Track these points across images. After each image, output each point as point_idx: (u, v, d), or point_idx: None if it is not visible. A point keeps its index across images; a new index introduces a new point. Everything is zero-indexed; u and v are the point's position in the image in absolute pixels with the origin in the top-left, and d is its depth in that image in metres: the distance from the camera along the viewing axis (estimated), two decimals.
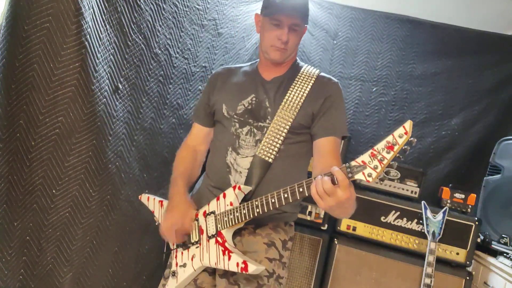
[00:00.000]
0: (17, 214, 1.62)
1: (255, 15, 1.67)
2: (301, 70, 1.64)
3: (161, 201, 1.69)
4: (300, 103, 1.54)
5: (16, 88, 1.52)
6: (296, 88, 1.58)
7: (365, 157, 1.18)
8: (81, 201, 1.76)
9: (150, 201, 1.73)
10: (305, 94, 1.56)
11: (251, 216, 1.41)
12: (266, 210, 1.37)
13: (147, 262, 2.11)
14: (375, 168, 1.16)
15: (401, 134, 1.13)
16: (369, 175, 1.17)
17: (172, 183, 1.63)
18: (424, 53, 2.78)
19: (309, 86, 1.58)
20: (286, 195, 1.31)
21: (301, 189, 1.29)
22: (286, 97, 1.56)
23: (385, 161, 1.15)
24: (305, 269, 2.26)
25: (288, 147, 1.55)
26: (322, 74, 1.66)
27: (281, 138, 1.53)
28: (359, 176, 1.18)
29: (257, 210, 1.39)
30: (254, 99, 1.59)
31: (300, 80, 1.60)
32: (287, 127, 1.53)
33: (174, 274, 1.56)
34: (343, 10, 2.82)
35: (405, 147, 1.14)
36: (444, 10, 2.68)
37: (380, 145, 1.16)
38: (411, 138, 1.13)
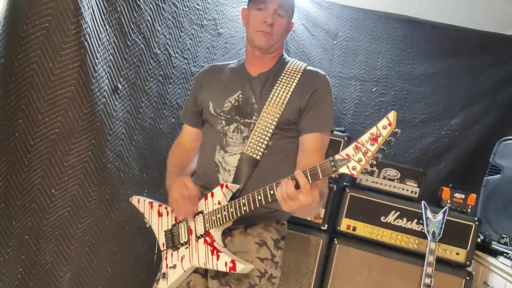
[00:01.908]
0: (16, 213, 1.62)
1: (242, 9, 1.66)
2: (288, 65, 1.62)
3: (151, 203, 1.67)
4: (286, 99, 1.53)
5: (15, 87, 1.53)
6: (282, 83, 1.56)
7: (349, 150, 1.16)
8: (80, 201, 1.76)
9: (141, 202, 1.71)
10: (291, 89, 1.54)
11: (238, 214, 1.39)
12: (253, 208, 1.35)
13: (146, 262, 2.11)
14: (359, 161, 1.14)
15: (385, 126, 1.11)
16: (353, 168, 1.15)
17: (167, 176, 1.64)
18: (424, 53, 2.78)
19: (296, 81, 1.56)
20: (272, 192, 1.30)
21: (272, 192, 1.30)
22: (272, 92, 1.54)
23: (369, 154, 1.13)
24: (305, 269, 2.25)
25: (276, 143, 1.53)
26: (309, 67, 1.63)
27: (268, 134, 1.51)
28: (343, 170, 1.17)
29: (244, 208, 1.37)
30: (240, 95, 1.57)
31: (286, 74, 1.58)
32: (274, 123, 1.51)
33: (164, 275, 1.54)
34: (343, 10, 2.83)
35: (390, 138, 1.12)
36: (444, 10, 2.68)
37: (364, 138, 1.14)
38: (396, 129, 1.12)
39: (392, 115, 1.11)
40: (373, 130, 1.12)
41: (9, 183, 1.59)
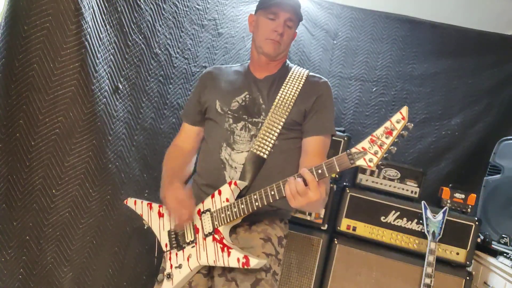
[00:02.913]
0: (17, 213, 1.62)
1: (249, 15, 1.72)
2: (291, 70, 1.69)
3: (150, 204, 1.66)
4: (293, 101, 1.59)
5: (16, 88, 1.52)
6: (288, 86, 1.63)
7: (364, 144, 1.22)
8: (81, 201, 1.76)
9: (138, 204, 1.69)
10: (297, 93, 1.61)
11: (250, 210, 1.41)
12: (266, 203, 1.38)
13: (147, 262, 2.11)
14: (375, 153, 1.21)
15: (399, 120, 1.18)
16: (370, 160, 1.21)
17: (162, 180, 1.63)
18: (424, 53, 2.78)
19: (300, 85, 1.63)
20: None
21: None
22: (279, 95, 1.60)
23: (384, 146, 1.19)
24: (305, 269, 2.25)
25: (282, 142, 1.57)
26: (312, 74, 1.70)
27: (276, 134, 1.56)
28: (360, 162, 1.22)
29: (257, 203, 1.39)
30: (247, 96, 1.63)
31: (291, 79, 1.65)
32: (281, 123, 1.56)
33: (169, 276, 1.53)
34: (343, 10, 2.82)
35: (403, 132, 1.19)
36: (443, 10, 2.68)
37: (379, 131, 1.20)
38: (408, 123, 1.18)
39: (404, 110, 1.18)
40: (387, 124, 1.19)
41: (10, 184, 1.58)
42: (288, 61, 1.75)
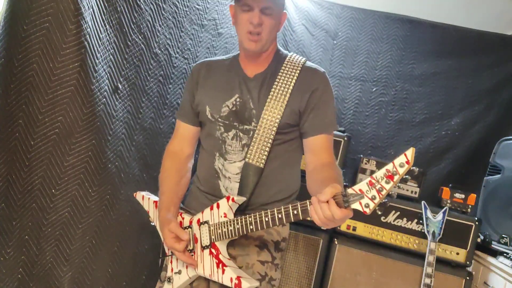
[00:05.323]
0: (16, 213, 1.62)
1: (230, 6, 1.57)
2: (285, 61, 1.55)
3: (156, 202, 1.65)
4: (285, 101, 1.47)
5: (15, 87, 1.52)
6: (280, 83, 1.50)
7: (362, 186, 1.10)
8: (81, 201, 1.75)
9: (145, 200, 1.69)
10: (290, 89, 1.48)
11: (245, 232, 1.37)
12: (259, 228, 1.32)
13: (146, 262, 2.11)
14: (373, 198, 1.09)
15: (402, 164, 1.05)
16: (367, 205, 1.10)
17: (160, 201, 1.57)
18: (424, 53, 2.78)
19: (294, 79, 1.50)
20: (280, 216, 1.27)
21: (295, 212, 1.25)
22: (270, 96, 1.49)
23: (383, 192, 1.08)
24: (305, 269, 2.26)
25: (277, 148, 1.49)
26: (308, 63, 1.57)
27: (270, 141, 1.47)
28: (355, 206, 1.11)
29: (251, 227, 1.34)
30: (238, 99, 1.52)
31: (284, 72, 1.52)
32: (275, 128, 1.46)
33: (169, 280, 1.54)
34: (343, 10, 2.83)
35: (406, 176, 1.07)
36: (443, 10, 2.69)
37: (379, 174, 1.08)
38: (413, 168, 1.06)
39: (410, 152, 1.05)
40: (389, 166, 1.07)
41: (9, 183, 1.58)
42: (281, 49, 1.60)
